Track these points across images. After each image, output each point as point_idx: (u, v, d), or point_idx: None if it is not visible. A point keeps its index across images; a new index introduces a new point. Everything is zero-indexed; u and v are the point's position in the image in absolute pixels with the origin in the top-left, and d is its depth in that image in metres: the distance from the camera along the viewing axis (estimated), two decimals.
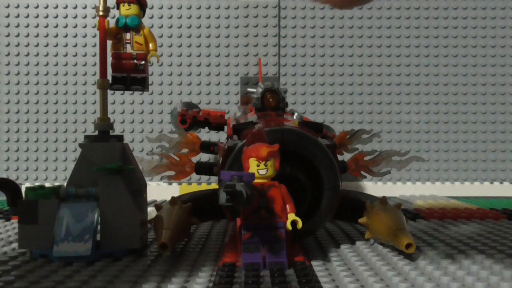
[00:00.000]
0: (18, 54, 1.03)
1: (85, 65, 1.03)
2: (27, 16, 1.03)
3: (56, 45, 1.03)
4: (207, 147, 0.60)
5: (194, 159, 0.61)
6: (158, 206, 0.47)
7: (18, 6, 1.03)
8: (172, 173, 0.60)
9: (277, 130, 0.45)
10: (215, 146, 0.59)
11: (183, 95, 1.03)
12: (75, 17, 1.04)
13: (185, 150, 0.61)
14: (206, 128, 0.68)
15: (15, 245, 0.48)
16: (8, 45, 1.03)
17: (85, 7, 1.04)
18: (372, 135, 0.59)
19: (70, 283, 0.35)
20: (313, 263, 0.41)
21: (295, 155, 0.45)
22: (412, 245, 0.41)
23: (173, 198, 0.47)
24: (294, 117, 0.54)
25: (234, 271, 0.38)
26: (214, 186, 0.81)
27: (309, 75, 1.02)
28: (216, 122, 0.65)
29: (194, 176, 0.92)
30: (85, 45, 1.03)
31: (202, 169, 0.59)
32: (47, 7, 1.03)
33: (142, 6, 0.48)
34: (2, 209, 0.73)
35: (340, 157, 0.53)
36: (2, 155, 1.02)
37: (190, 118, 0.65)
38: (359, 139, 0.58)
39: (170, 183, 0.97)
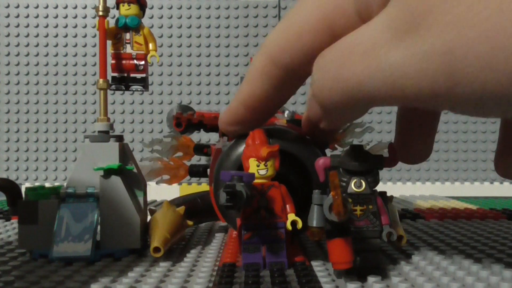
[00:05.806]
0: (18, 54, 1.03)
1: (85, 65, 1.03)
2: (27, 16, 1.03)
3: (56, 45, 1.03)
4: (200, 149, 0.60)
5: (192, 161, 0.62)
6: (152, 211, 0.48)
7: (18, 6, 1.03)
8: (167, 177, 0.60)
9: (263, 130, 0.45)
10: (209, 148, 0.60)
11: (183, 95, 1.03)
12: (75, 17, 1.04)
13: (179, 154, 0.61)
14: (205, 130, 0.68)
15: (15, 245, 0.48)
16: (8, 45, 1.03)
17: (85, 7, 1.04)
18: (365, 128, 0.59)
19: (70, 283, 0.35)
20: (313, 263, 0.41)
21: (285, 154, 0.44)
22: (404, 238, 0.41)
23: (166, 202, 0.48)
24: (285, 115, 0.54)
25: (234, 271, 0.38)
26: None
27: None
28: (210, 124, 0.65)
29: None
30: (85, 45, 1.03)
31: (196, 171, 0.59)
32: (47, 7, 1.03)
33: (142, 6, 0.49)
34: (2, 209, 0.73)
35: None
36: (2, 155, 1.02)
37: (184, 121, 0.65)
38: (352, 133, 0.58)
39: (169, 184, 0.97)
